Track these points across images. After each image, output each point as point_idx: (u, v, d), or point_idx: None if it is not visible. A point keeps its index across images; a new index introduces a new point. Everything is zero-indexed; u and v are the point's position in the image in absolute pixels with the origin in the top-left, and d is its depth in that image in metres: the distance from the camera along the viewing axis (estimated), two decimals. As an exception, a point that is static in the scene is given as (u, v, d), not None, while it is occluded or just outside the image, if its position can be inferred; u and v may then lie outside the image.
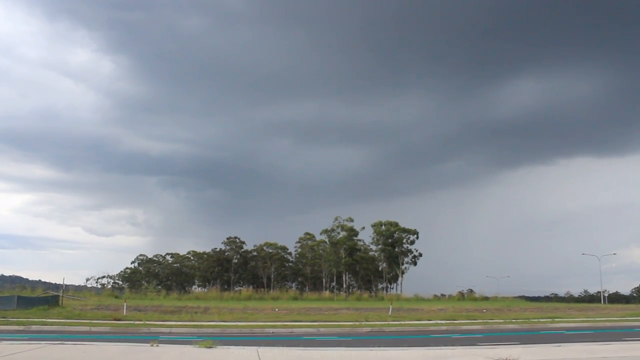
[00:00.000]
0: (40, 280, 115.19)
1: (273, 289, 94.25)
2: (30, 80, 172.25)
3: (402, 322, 32.63)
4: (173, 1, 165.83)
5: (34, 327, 27.74)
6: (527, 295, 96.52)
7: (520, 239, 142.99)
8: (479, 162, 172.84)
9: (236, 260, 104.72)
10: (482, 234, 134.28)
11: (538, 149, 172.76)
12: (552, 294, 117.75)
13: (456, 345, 18.42)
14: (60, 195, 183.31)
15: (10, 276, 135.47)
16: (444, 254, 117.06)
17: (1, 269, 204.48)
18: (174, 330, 27.34)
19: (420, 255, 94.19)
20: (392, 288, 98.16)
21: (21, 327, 27.65)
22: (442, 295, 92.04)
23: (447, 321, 33.61)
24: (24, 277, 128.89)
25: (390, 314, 39.67)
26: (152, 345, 14.15)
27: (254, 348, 14.22)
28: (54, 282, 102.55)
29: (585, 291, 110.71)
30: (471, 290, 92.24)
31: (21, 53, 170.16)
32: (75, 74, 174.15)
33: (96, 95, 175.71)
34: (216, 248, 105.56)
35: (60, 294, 50.68)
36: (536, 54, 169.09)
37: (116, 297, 70.79)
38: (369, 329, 29.07)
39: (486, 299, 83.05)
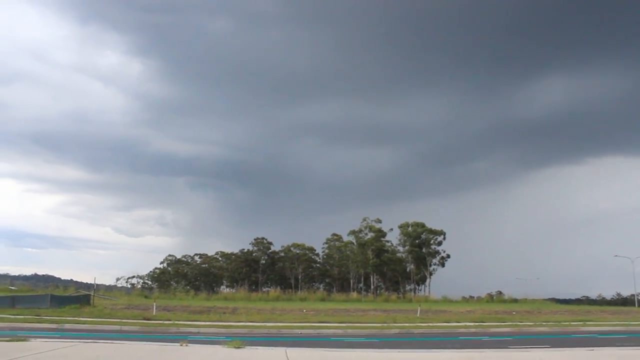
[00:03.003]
0: (72, 279, 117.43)
1: (300, 289, 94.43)
2: (62, 84, 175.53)
3: (431, 324, 32.38)
4: (200, 3, 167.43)
5: (66, 326, 28.17)
6: (557, 297, 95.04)
7: (550, 240, 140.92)
8: (507, 162, 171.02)
9: (264, 261, 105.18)
10: (511, 235, 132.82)
11: (567, 148, 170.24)
12: (584, 296, 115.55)
13: (485, 348, 18.25)
14: (91, 196, 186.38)
15: (43, 275, 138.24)
16: (473, 255, 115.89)
17: (35, 268, 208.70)
18: (202, 330, 27.50)
19: (449, 256, 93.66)
20: (420, 290, 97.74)
21: (54, 325, 28.12)
22: (471, 297, 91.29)
23: (476, 323, 33.26)
24: (57, 276, 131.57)
25: (418, 315, 39.43)
26: (181, 345, 14.27)
27: (282, 349, 14.24)
28: (85, 282, 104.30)
29: (618, 294, 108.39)
30: (500, 292, 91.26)
31: (54, 57, 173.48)
32: (105, 77, 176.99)
33: (125, 97, 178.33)
34: (244, 249, 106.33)
35: (92, 294, 51.45)
36: (565, 52, 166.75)
37: (145, 297, 71.65)
38: (397, 330, 28.91)
39: (515, 301, 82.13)
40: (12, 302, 41.77)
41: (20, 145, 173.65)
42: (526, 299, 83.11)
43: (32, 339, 14.85)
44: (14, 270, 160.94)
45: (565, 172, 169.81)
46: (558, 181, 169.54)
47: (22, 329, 25.70)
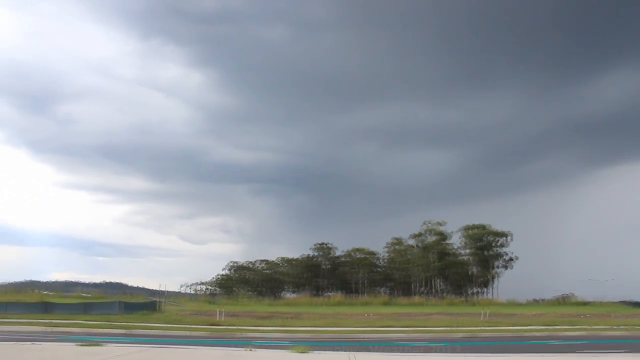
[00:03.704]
0: (140, 286, 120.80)
1: (363, 294, 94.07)
2: (127, 98, 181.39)
3: (497, 328, 31.73)
4: (257, 13, 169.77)
5: (136, 331, 29.02)
6: (632, 300, 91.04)
7: (623, 240, 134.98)
8: (572, 161, 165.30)
9: (326, 266, 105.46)
10: (579, 235, 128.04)
11: (636, 144, 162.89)
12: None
13: (556, 353, 17.75)
14: (157, 205, 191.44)
15: (113, 283, 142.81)
16: (540, 257, 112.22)
17: (105, 276, 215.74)
18: (267, 335, 27.80)
19: (516, 258, 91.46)
20: (485, 292, 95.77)
21: (125, 331, 29.02)
22: (539, 299, 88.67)
23: (545, 327, 32.38)
24: (126, 283, 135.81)
25: (484, 319, 38.70)
26: (247, 350, 14.46)
27: (347, 353, 14.25)
28: (152, 289, 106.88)
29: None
30: (570, 295, 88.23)
31: (119, 72, 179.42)
32: (167, 89, 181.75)
33: (187, 108, 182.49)
34: (306, 254, 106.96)
35: (160, 300, 52.78)
36: (629, 46, 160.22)
37: (211, 303, 72.88)
38: (462, 334, 28.47)
39: (586, 303, 79.20)
40: (85, 308, 43.37)
41: (90, 158, 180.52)
42: (598, 301, 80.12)
43: (105, 344, 15.35)
44: (86, 278, 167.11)
45: (637, 170, 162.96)
46: (629, 179, 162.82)
47: (95, 334, 26.64)
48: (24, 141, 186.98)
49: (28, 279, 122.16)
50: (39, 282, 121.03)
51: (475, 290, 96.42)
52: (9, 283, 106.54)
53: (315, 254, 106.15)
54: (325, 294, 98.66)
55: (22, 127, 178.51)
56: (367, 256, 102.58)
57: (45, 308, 43.71)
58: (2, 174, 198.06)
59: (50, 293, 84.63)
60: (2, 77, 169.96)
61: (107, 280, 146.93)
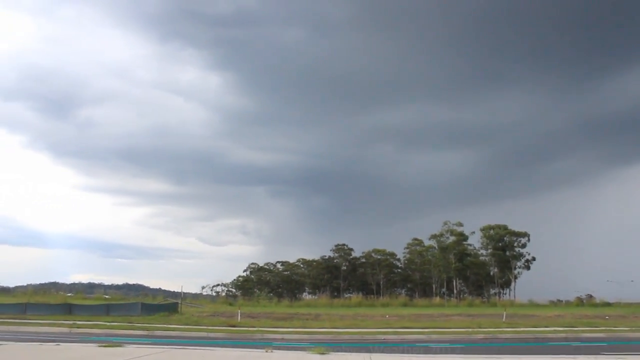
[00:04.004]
0: (160, 288, 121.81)
1: (382, 295, 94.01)
2: (145, 101, 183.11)
3: (517, 329, 31.49)
4: (274, 15, 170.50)
5: (157, 332, 29.26)
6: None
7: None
8: (593, 160, 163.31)
9: (345, 267, 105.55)
10: (600, 235, 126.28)
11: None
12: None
13: (577, 355, 17.60)
14: (175, 208, 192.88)
15: (134, 284, 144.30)
16: (559, 257, 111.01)
17: (126, 278, 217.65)
18: (286, 336, 27.85)
19: (534, 259, 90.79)
20: (505, 293, 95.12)
21: (145, 332, 29.27)
22: (559, 300, 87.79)
23: (566, 328, 32.04)
24: (146, 285, 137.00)
25: (504, 320, 38.45)
26: (266, 351, 14.54)
27: (367, 355, 14.27)
28: (172, 290, 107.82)
29: None
30: (590, 296, 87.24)
31: (137, 76, 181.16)
32: (185, 92, 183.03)
33: (205, 110, 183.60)
34: (325, 255, 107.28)
35: (179, 302, 53.19)
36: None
37: (230, 304, 73.31)
38: (482, 335, 28.30)
39: (608, 304, 78.31)
40: (107, 310, 43.82)
41: (110, 161, 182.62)
42: (620, 302, 79.13)
43: (126, 345, 15.54)
44: (107, 280, 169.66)
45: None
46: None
47: (117, 335, 26.92)
48: (45, 145, 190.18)
49: (50, 280, 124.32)
50: (61, 283, 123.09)
51: (496, 291, 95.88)
52: (32, 285, 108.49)
53: (334, 255, 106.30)
54: (345, 296, 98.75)
55: (43, 131, 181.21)
56: (387, 257, 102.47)
57: (67, 309, 44.24)
58: (24, 177, 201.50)
59: (72, 294, 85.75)
60: (24, 82, 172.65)
61: (128, 282, 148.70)
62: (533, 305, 75.59)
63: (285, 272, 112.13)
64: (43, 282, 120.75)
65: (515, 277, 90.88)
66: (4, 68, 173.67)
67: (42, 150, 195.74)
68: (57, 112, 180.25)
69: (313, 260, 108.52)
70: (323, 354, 13.89)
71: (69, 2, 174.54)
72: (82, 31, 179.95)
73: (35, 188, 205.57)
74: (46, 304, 49.05)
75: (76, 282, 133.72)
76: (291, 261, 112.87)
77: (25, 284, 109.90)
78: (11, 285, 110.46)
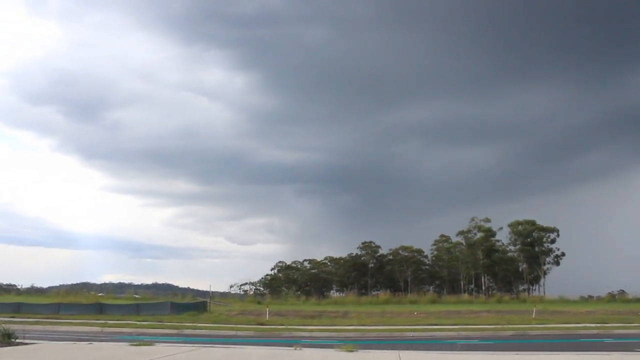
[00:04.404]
0: (189, 287, 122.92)
1: (410, 292, 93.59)
2: (171, 102, 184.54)
3: (548, 325, 31.17)
4: (298, 14, 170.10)
5: (186, 331, 29.60)
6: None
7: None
8: (623, 153, 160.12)
9: (372, 265, 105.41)
10: (632, 229, 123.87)
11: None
12: None
13: (610, 351, 17.34)
14: (203, 207, 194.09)
15: (163, 284, 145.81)
16: (590, 253, 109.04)
17: (155, 277, 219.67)
18: (314, 334, 27.95)
19: (563, 254, 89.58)
20: (534, 289, 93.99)
21: (175, 331, 29.64)
22: (590, 296, 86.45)
23: (598, 324, 31.62)
24: (175, 284, 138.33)
25: (534, 316, 38.07)
26: (295, 349, 14.60)
27: (396, 352, 14.23)
28: (201, 289, 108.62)
29: None
30: (622, 291, 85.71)
31: (163, 78, 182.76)
32: (211, 92, 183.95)
33: (230, 110, 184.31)
34: (352, 253, 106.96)
35: (208, 301, 53.65)
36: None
37: (258, 302, 73.62)
38: (512, 332, 28.09)
39: (640, 300, 77.03)
40: (137, 309, 44.47)
41: (137, 162, 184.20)
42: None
43: (157, 344, 15.73)
44: (136, 280, 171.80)
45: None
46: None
47: (147, 334, 27.27)
48: (74, 148, 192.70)
49: (82, 281, 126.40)
50: (92, 284, 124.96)
51: (524, 287, 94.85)
52: (64, 285, 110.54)
53: (361, 252, 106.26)
54: (372, 293, 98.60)
55: (72, 135, 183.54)
56: (414, 254, 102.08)
57: (99, 309, 44.99)
58: (54, 180, 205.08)
59: (103, 294, 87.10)
60: (53, 86, 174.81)
61: (157, 282, 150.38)
62: (563, 301, 74.55)
63: (313, 270, 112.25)
64: (75, 282, 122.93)
65: (545, 273, 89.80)
66: (34, 74, 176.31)
67: (71, 153, 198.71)
68: (86, 116, 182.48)
69: (340, 258, 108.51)
70: (351, 351, 13.90)
71: (95, 7, 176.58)
72: (109, 35, 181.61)
73: (65, 190, 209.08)
74: (78, 304, 49.96)
75: (106, 282, 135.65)
76: (318, 259, 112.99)
77: (58, 285, 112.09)
78: (45, 286, 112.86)
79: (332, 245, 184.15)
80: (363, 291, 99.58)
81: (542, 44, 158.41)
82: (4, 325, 15.29)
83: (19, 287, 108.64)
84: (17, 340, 14.60)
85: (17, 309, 45.15)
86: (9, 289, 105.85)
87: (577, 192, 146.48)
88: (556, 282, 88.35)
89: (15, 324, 17.72)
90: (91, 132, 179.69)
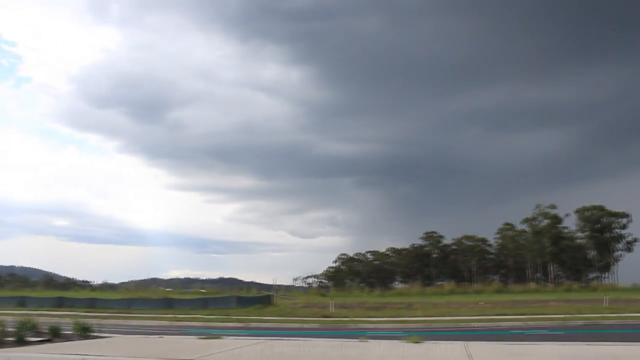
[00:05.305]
0: (253, 281, 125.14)
1: (475, 282, 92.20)
2: (230, 99, 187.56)
3: (621, 315, 30.11)
4: (351, 6, 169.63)
5: (252, 324, 30.13)
6: None
7: None
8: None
9: (435, 255, 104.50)
10: None
11: None
12: None
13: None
14: (265, 202, 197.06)
15: (228, 278, 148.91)
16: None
17: (220, 272, 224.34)
18: (379, 326, 27.95)
19: (635, 240, 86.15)
20: (606, 277, 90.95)
21: (241, 324, 30.21)
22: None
23: (675, 312, 30.38)
24: (239, 279, 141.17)
25: (606, 305, 36.87)
26: (360, 341, 14.64)
27: (462, 343, 14.06)
28: (265, 283, 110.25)
29: None
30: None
31: (221, 76, 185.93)
32: (268, 88, 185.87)
33: (288, 105, 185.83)
34: (414, 244, 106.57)
35: (273, 294, 54.41)
36: None
37: (322, 295, 74.15)
38: (582, 322, 27.30)
39: None
40: (204, 303, 45.55)
41: (199, 159, 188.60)
42: None
43: (225, 337, 16.08)
44: (202, 275, 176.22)
45: None
46: None
47: (214, 327, 27.91)
48: (139, 148, 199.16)
49: (150, 277, 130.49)
50: (160, 279, 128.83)
51: (594, 275, 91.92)
52: (134, 281, 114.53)
53: (424, 243, 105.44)
54: (436, 283, 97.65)
55: (136, 135, 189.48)
56: (478, 243, 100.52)
57: (167, 304, 46.31)
58: (121, 180, 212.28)
59: (171, 289, 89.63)
60: (117, 89, 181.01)
61: (222, 276, 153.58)
62: (637, 289, 71.90)
63: (376, 262, 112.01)
64: (144, 278, 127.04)
65: (616, 260, 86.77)
66: (98, 78, 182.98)
67: (136, 153, 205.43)
68: (148, 116, 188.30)
69: (403, 249, 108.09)
70: (417, 342, 13.83)
71: (153, 11, 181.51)
72: (168, 37, 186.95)
73: (132, 189, 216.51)
74: (148, 299, 51.62)
75: (174, 277, 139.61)
76: (381, 250, 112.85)
77: (127, 280, 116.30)
78: (116, 282, 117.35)
79: (394, 236, 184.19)
80: (427, 282, 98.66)
81: (610, 22, 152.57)
82: (81, 320, 15.99)
83: (92, 283, 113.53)
84: (94, 334, 15.27)
85: (92, 304, 47.12)
86: (84, 285, 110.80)
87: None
88: (629, 269, 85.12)
89: (90, 319, 18.45)
90: (154, 132, 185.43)
